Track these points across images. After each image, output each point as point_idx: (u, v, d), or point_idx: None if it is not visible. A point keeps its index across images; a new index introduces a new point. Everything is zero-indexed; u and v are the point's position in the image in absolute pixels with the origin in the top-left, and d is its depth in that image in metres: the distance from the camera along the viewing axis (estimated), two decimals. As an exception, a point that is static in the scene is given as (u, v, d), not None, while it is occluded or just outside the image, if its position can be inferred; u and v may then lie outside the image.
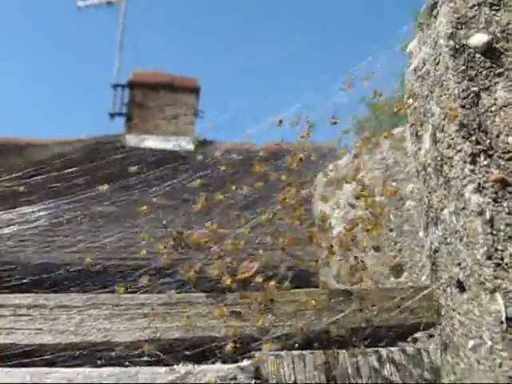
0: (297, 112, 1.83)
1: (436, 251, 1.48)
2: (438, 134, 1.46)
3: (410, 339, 1.76)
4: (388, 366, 1.64)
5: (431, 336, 1.81)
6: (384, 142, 2.32)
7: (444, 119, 1.43)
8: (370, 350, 1.65)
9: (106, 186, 1.83)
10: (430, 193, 1.51)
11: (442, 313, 1.47)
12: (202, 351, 1.64)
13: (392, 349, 1.66)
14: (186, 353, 1.62)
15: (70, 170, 2.06)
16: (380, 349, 1.66)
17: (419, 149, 1.57)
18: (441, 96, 1.45)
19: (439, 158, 1.45)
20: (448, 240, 1.40)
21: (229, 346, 1.60)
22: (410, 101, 1.61)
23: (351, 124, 1.87)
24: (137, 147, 6.11)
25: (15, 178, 2.03)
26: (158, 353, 1.62)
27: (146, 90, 7.00)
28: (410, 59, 1.61)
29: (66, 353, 1.63)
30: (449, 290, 1.41)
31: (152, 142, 6.51)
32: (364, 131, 1.88)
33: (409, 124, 1.63)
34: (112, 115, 7.35)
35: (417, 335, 1.79)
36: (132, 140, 6.54)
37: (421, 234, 2.20)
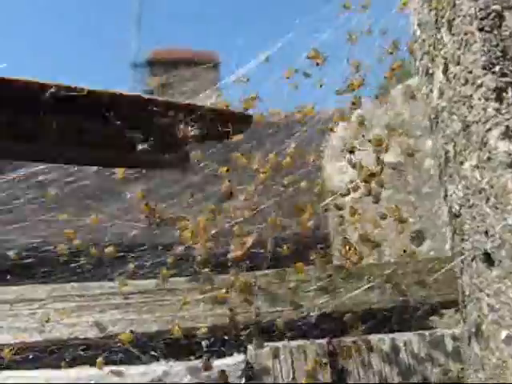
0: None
1: (457, 216, 1.18)
2: (452, 69, 1.16)
3: (431, 318, 1.49)
4: (404, 355, 1.37)
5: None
6: (397, 94, 2.03)
7: (459, 48, 1.13)
8: (380, 336, 1.38)
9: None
10: (446, 143, 1.21)
11: (467, 292, 1.18)
12: (184, 345, 1.40)
13: (407, 334, 1.38)
14: (166, 347, 1.38)
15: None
16: (394, 335, 1.39)
17: (431, 90, 1.27)
18: (453, 19, 1.15)
19: (455, 99, 1.15)
20: (471, 202, 1.10)
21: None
22: (418, 32, 1.31)
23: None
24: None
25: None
26: (133, 349, 1.39)
27: (165, 67, 6.76)
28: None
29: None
30: (474, 264, 1.11)
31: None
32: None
33: (417, 61, 1.32)
34: (133, 95, 7.13)
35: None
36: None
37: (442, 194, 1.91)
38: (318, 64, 1.45)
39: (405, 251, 1.44)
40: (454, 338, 1.34)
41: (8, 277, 1.55)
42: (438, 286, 1.43)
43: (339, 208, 1.58)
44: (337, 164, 2.07)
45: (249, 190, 1.52)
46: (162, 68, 6.81)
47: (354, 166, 1.41)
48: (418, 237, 1.85)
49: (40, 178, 1.63)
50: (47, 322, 1.42)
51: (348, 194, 1.43)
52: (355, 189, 1.48)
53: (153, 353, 1.38)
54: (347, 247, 1.49)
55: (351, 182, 1.41)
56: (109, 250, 1.43)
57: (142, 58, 7.26)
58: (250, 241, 1.56)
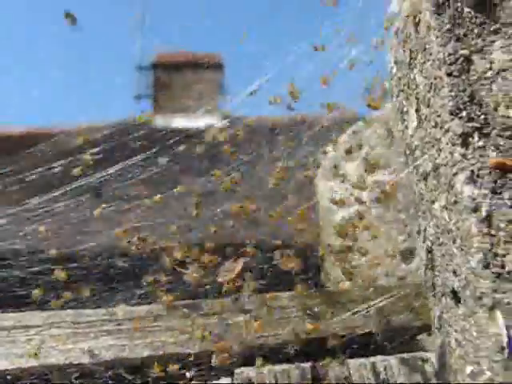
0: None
1: (429, 251, 1.23)
2: (423, 110, 1.21)
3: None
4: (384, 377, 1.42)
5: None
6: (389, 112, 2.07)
7: (429, 91, 1.18)
8: (362, 360, 1.43)
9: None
10: (419, 180, 1.26)
11: (438, 325, 1.23)
12: (174, 370, 1.46)
13: (388, 358, 1.43)
14: (157, 373, 1.44)
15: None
16: (376, 358, 1.44)
17: (406, 127, 1.31)
18: (424, 63, 1.19)
19: (427, 139, 1.20)
20: (441, 240, 1.15)
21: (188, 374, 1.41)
22: (394, 69, 1.35)
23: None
24: (165, 127, 5.96)
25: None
26: (125, 375, 1.45)
27: (169, 70, 6.81)
28: (392, 21, 1.34)
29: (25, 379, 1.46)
30: (444, 300, 1.17)
31: (179, 122, 6.35)
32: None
33: (393, 98, 1.37)
34: (138, 97, 7.20)
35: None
36: (159, 121, 6.39)
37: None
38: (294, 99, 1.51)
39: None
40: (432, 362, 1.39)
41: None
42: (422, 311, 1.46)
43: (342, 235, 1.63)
44: (328, 183, 2.11)
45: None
46: (165, 71, 6.85)
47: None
48: (408, 255, 1.90)
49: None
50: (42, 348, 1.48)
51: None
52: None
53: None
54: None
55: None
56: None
57: (145, 61, 7.30)
58: (239, 266, 1.62)
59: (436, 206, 1.16)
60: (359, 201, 1.67)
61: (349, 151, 1.91)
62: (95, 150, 1.81)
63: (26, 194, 1.80)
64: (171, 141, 1.79)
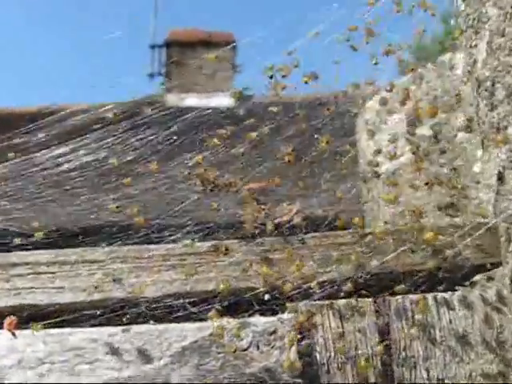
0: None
1: (500, 178, 1.26)
2: (496, 40, 1.24)
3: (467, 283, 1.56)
4: (448, 312, 1.45)
5: (490, 278, 1.60)
6: (429, 71, 2.09)
7: (504, 21, 1.21)
8: (425, 295, 1.46)
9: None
10: (490, 110, 1.29)
11: (510, 248, 1.26)
12: (238, 303, 1.49)
13: (450, 294, 1.46)
14: (221, 306, 1.47)
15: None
16: (438, 294, 1.47)
17: (474, 61, 1.34)
18: (500, -7, 1.22)
19: (500, 68, 1.23)
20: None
21: (267, 296, 1.43)
22: (462, 7, 1.38)
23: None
24: (176, 106, 5.97)
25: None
26: (189, 307, 1.48)
27: (182, 48, 6.83)
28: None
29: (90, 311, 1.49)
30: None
31: (191, 100, 6.37)
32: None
33: (461, 33, 1.40)
34: (151, 75, 7.22)
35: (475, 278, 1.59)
36: (171, 99, 6.40)
37: (475, 168, 1.97)
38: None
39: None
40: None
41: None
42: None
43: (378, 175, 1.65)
44: (369, 140, 2.13)
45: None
46: (178, 49, 6.87)
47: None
48: (452, 209, 1.92)
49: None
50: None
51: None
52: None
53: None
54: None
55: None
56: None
57: (159, 38, 7.32)
58: (295, 207, 1.65)
59: (510, 130, 1.19)
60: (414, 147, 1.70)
61: (391, 104, 1.93)
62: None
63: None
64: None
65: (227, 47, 6.67)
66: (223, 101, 6.65)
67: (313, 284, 1.46)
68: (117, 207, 1.52)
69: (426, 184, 1.45)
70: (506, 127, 1.21)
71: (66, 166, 1.72)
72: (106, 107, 1.86)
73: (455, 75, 1.92)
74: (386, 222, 1.80)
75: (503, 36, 1.21)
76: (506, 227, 1.27)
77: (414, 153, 1.45)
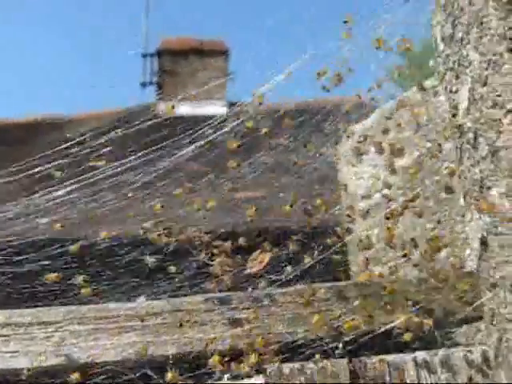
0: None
1: (483, 242, 1.14)
2: (479, 89, 1.12)
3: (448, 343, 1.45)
4: (426, 375, 1.34)
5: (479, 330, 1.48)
6: (414, 96, 1.98)
7: (486, 68, 1.09)
8: (403, 357, 1.34)
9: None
10: (472, 165, 1.17)
11: (492, 320, 1.14)
12: (201, 367, 1.37)
13: (431, 355, 1.35)
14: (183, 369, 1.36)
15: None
16: (418, 355, 1.36)
17: (455, 108, 1.22)
18: (480, 38, 1.10)
19: (482, 120, 1.11)
20: (499, 229, 1.06)
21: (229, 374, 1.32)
22: (441, 46, 1.26)
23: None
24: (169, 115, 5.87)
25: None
26: (150, 373, 1.36)
27: (174, 57, 6.72)
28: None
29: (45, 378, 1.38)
30: (502, 294, 1.08)
31: (184, 109, 6.26)
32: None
33: (440, 76, 1.28)
34: (143, 85, 7.10)
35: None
36: (164, 108, 6.29)
37: (462, 201, 1.86)
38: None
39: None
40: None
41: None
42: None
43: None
44: (352, 168, 2.03)
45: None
46: (170, 57, 6.75)
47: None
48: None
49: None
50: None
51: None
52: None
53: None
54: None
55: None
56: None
57: (151, 47, 7.20)
58: (266, 258, 1.54)
59: (493, 192, 1.08)
60: (387, 185, 1.59)
61: (373, 136, 1.83)
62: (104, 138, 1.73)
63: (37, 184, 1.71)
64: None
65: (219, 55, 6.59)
66: (216, 109, 6.56)
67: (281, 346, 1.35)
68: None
69: (404, 256, 1.33)
70: (489, 188, 1.10)
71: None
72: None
73: (439, 101, 1.81)
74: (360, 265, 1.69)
75: (485, 85, 1.09)
76: (487, 296, 1.16)
77: (387, 218, 1.33)
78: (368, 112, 2.03)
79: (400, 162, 1.78)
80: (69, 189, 1.51)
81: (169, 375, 1.34)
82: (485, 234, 1.13)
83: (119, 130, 1.76)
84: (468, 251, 1.29)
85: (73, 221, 1.45)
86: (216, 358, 1.31)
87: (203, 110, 6.04)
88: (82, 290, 1.41)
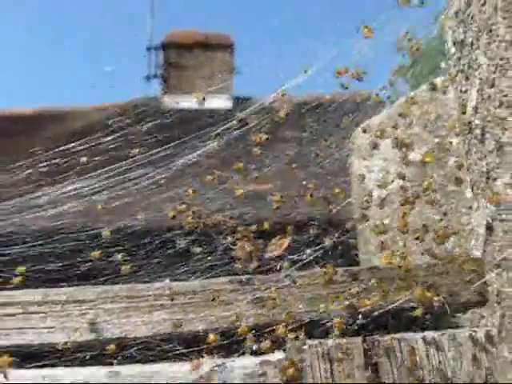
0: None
1: (489, 228, 1.26)
2: (486, 90, 1.23)
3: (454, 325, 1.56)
4: (437, 353, 1.45)
5: (482, 316, 1.60)
6: (423, 94, 2.09)
7: (494, 72, 1.20)
8: (414, 335, 1.46)
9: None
10: (479, 159, 1.28)
11: (497, 299, 1.26)
12: (229, 343, 1.49)
13: (439, 334, 1.46)
14: (212, 347, 1.47)
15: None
16: (427, 334, 1.47)
17: (464, 107, 1.34)
18: (489, 44, 1.22)
19: (489, 118, 1.22)
20: (504, 216, 1.18)
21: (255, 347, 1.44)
22: (452, 50, 1.37)
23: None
24: (174, 108, 5.96)
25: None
26: (180, 348, 1.48)
27: (180, 50, 6.80)
28: (450, 1, 1.36)
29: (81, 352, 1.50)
30: (505, 274, 1.20)
31: (189, 103, 6.36)
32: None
33: (451, 77, 1.39)
34: (148, 78, 7.19)
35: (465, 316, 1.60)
36: (169, 101, 6.39)
37: (468, 194, 1.97)
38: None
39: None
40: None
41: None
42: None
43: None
44: (363, 162, 2.14)
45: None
46: (176, 50, 6.84)
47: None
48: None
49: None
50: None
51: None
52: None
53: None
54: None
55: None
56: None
57: (156, 40, 7.29)
58: (286, 242, 1.65)
59: (498, 183, 1.19)
60: (400, 176, 1.70)
61: (383, 130, 1.93)
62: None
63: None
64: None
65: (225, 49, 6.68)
66: (221, 103, 6.64)
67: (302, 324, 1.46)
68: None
69: (417, 239, 1.45)
70: (495, 179, 1.21)
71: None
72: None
73: (447, 99, 1.92)
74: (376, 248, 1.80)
75: (493, 86, 1.21)
76: (494, 275, 1.28)
77: (402, 204, 1.45)
78: (380, 108, 2.12)
79: (411, 156, 1.88)
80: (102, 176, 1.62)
81: (211, 337, 1.44)
82: (490, 220, 1.25)
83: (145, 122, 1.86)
84: (473, 241, 1.41)
85: (107, 206, 1.56)
86: (244, 328, 1.42)
87: (208, 103, 6.13)
88: (122, 268, 1.52)
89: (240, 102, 5.85)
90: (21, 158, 1.81)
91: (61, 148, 1.80)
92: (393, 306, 1.50)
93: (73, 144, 1.79)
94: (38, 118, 6.41)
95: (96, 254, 1.54)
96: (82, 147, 1.76)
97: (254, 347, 1.43)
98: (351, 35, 1.63)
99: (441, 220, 1.99)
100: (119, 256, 1.54)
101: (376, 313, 1.48)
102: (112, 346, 1.47)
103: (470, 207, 1.74)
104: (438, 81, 1.96)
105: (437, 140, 2.01)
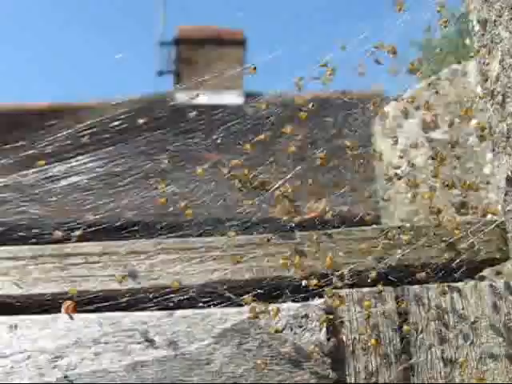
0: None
1: (509, 180, 1.44)
2: (507, 60, 1.41)
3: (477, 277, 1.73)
4: (460, 300, 1.63)
5: (499, 273, 1.78)
6: (442, 79, 2.26)
7: (515, 43, 1.38)
8: (440, 284, 1.63)
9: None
10: (500, 121, 1.46)
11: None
12: (272, 291, 1.66)
13: (462, 284, 1.64)
14: (258, 293, 1.64)
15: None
16: (452, 284, 1.64)
17: (487, 78, 1.52)
18: (510, 19, 1.39)
19: (510, 85, 1.40)
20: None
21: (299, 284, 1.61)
22: (477, 28, 1.55)
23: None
24: (186, 104, 6.12)
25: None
26: (229, 294, 1.65)
27: (192, 46, 6.97)
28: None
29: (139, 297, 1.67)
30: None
31: (201, 98, 6.51)
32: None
33: (475, 52, 1.57)
34: (160, 73, 7.37)
35: (483, 273, 1.77)
36: (181, 97, 6.53)
37: (486, 170, 2.15)
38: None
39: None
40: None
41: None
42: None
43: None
44: (388, 141, 2.31)
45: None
46: (187, 46, 7.01)
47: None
48: (463, 208, 2.10)
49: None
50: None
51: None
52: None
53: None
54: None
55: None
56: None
57: (168, 36, 7.45)
58: (322, 203, 1.82)
59: (523, 140, 1.37)
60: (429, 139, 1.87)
61: (406, 111, 2.10)
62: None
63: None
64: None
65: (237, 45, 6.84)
66: (233, 99, 6.77)
67: (340, 273, 1.64)
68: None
69: (446, 186, 1.62)
70: (519, 137, 1.40)
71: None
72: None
73: (467, 83, 2.10)
74: (402, 220, 1.98)
75: (513, 56, 1.39)
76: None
77: (433, 158, 1.62)
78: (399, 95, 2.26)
79: (433, 135, 2.05)
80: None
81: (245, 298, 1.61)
82: (510, 173, 1.43)
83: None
84: (493, 196, 1.58)
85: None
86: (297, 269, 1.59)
87: (220, 99, 6.29)
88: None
89: (252, 97, 6.00)
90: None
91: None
92: (421, 260, 1.67)
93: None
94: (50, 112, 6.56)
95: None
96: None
97: (304, 283, 1.60)
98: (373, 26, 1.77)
99: (460, 195, 2.17)
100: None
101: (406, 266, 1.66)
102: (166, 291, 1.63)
103: (488, 183, 1.92)
104: (459, 66, 2.14)
105: (457, 120, 2.18)
